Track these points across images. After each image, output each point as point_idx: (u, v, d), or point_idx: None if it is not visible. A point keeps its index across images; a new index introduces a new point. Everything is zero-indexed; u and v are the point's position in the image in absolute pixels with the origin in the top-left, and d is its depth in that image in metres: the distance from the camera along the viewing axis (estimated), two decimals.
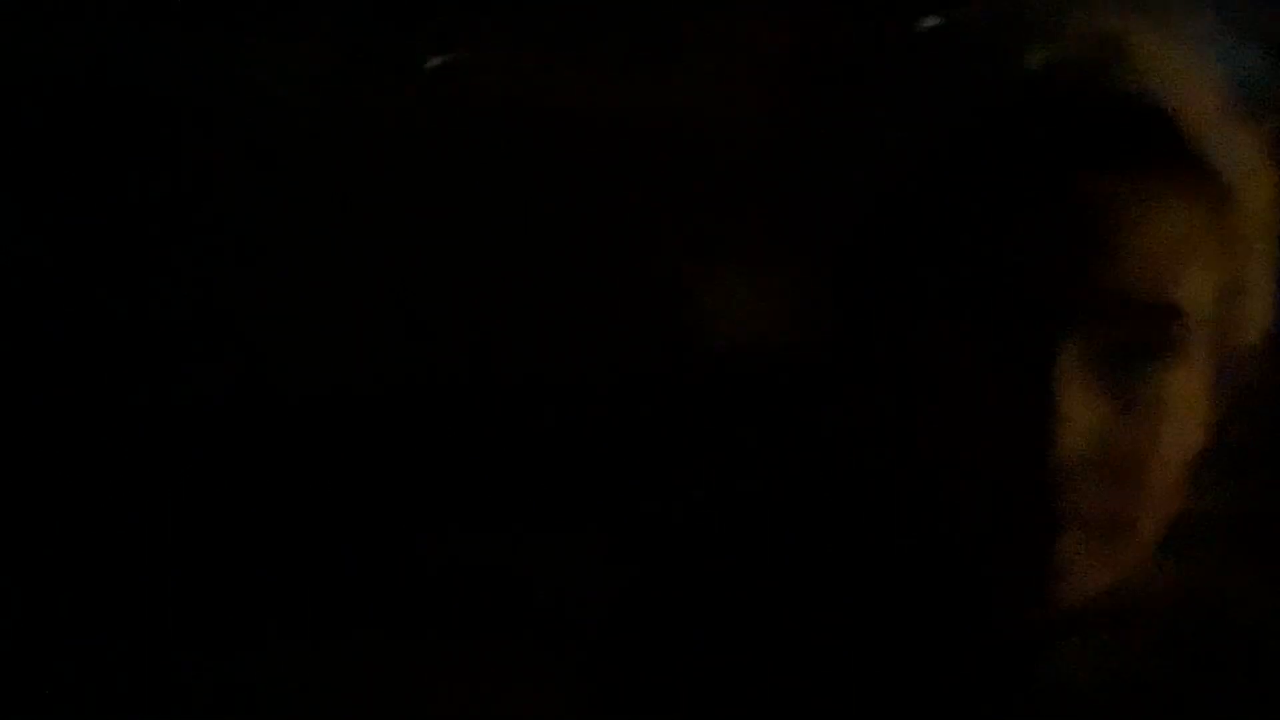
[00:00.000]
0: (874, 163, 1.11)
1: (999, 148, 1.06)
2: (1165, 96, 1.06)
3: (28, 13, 1.70)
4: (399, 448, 1.60)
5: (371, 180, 1.68)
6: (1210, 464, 1.16)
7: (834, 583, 1.19)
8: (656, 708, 1.20)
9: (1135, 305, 1.07)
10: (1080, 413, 1.05)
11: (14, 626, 1.56)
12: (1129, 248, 1.07)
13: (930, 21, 1.14)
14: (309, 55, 1.73)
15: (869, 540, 1.17)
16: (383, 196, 1.67)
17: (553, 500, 1.47)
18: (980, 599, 1.13)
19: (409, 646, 1.40)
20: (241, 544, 1.58)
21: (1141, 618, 1.15)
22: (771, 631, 1.19)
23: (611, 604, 1.23)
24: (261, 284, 1.67)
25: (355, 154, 1.69)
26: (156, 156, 1.70)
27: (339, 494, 1.60)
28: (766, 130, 1.49)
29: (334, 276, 1.67)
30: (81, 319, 1.68)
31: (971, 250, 1.07)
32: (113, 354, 1.67)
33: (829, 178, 1.19)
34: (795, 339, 1.31)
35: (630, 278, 1.60)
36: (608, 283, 1.61)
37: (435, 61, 1.71)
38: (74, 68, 1.70)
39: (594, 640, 1.24)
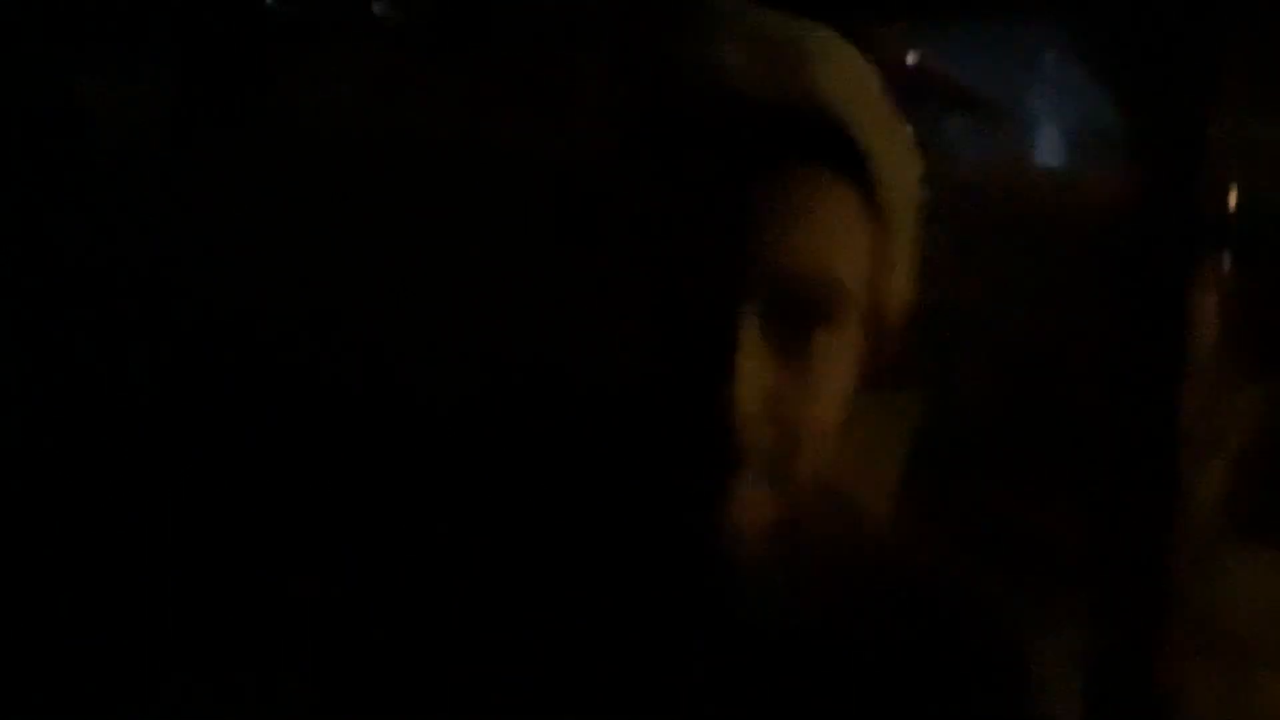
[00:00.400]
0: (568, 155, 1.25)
1: (680, 143, 1.21)
2: (826, 100, 1.21)
3: None
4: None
5: (213, 209, 1.71)
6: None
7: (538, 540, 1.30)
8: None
9: (801, 279, 1.21)
10: (754, 370, 1.20)
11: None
12: (796, 230, 1.21)
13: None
14: (147, 86, 1.69)
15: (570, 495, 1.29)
16: (221, 224, 1.69)
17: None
18: (667, 539, 1.25)
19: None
20: None
21: (811, 561, 1.29)
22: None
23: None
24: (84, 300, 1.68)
25: (196, 182, 1.71)
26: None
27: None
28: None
29: (165, 297, 1.68)
30: None
31: (663, 232, 1.21)
32: None
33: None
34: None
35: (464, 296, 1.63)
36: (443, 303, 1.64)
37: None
38: None
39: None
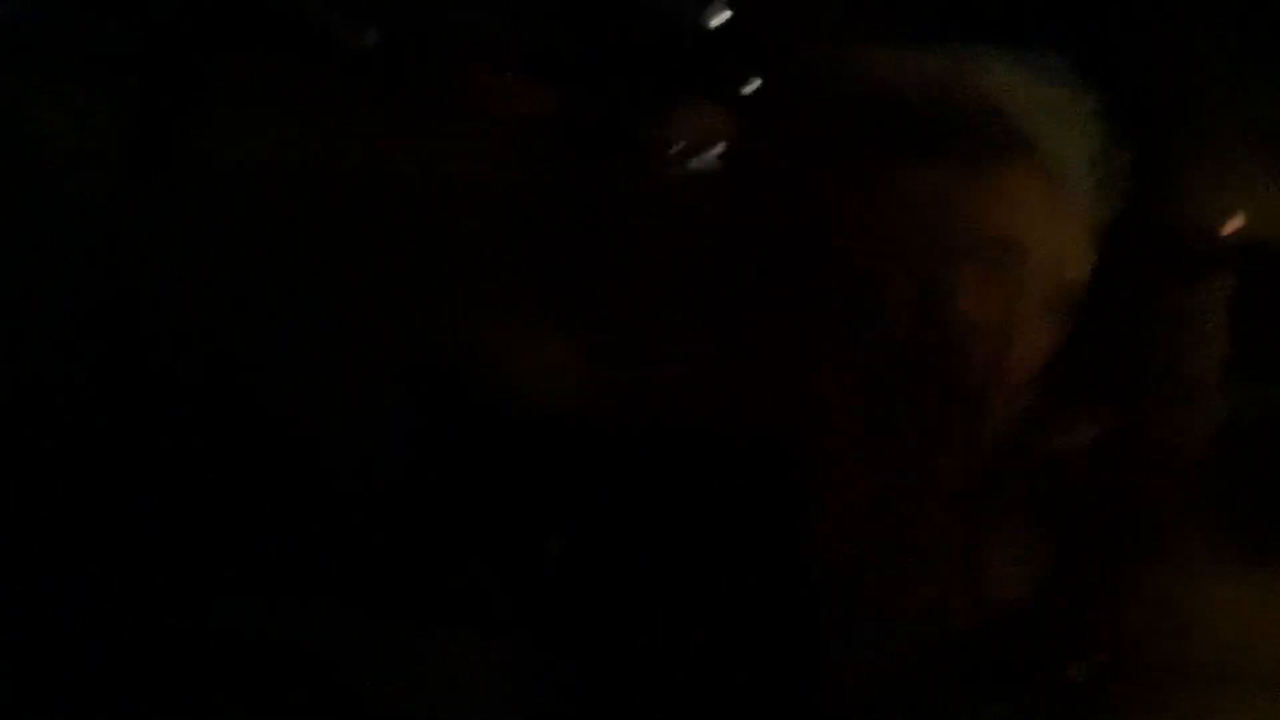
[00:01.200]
0: None
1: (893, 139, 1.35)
2: (1009, 106, 1.38)
3: None
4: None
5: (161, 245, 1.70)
6: None
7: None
8: None
9: (993, 242, 1.34)
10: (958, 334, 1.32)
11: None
12: (985, 202, 1.35)
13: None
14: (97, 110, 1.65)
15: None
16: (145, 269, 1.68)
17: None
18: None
19: None
20: None
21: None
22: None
23: None
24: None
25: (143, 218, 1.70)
26: None
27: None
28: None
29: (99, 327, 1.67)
30: None
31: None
32: None
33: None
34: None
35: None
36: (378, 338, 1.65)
37: None
38: None
39: None
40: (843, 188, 1.35)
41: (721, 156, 1.44)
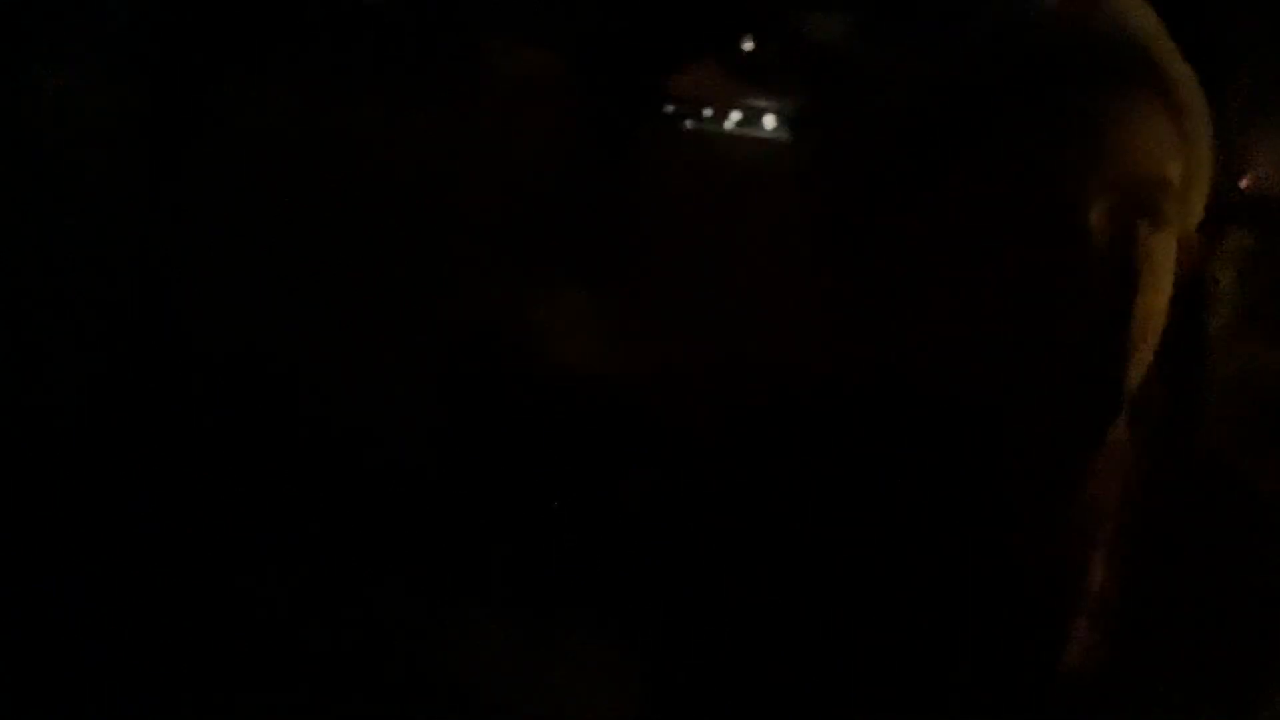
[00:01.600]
0: None
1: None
2: (1142, 39, 1.36)
3: None
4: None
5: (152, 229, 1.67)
6: None
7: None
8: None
9: (1140, 178, 1.32)
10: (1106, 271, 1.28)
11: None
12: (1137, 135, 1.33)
13: None
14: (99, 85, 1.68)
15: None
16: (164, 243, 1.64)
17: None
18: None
19: None
20: None
21: None
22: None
23: None
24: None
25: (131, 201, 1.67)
26: None
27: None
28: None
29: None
30: None
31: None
32: None
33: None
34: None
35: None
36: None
37: None
38: None
39: None
40: (956, 127, 1.35)
41: (810, 102, 1.41)
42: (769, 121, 1.41)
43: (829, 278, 1.36)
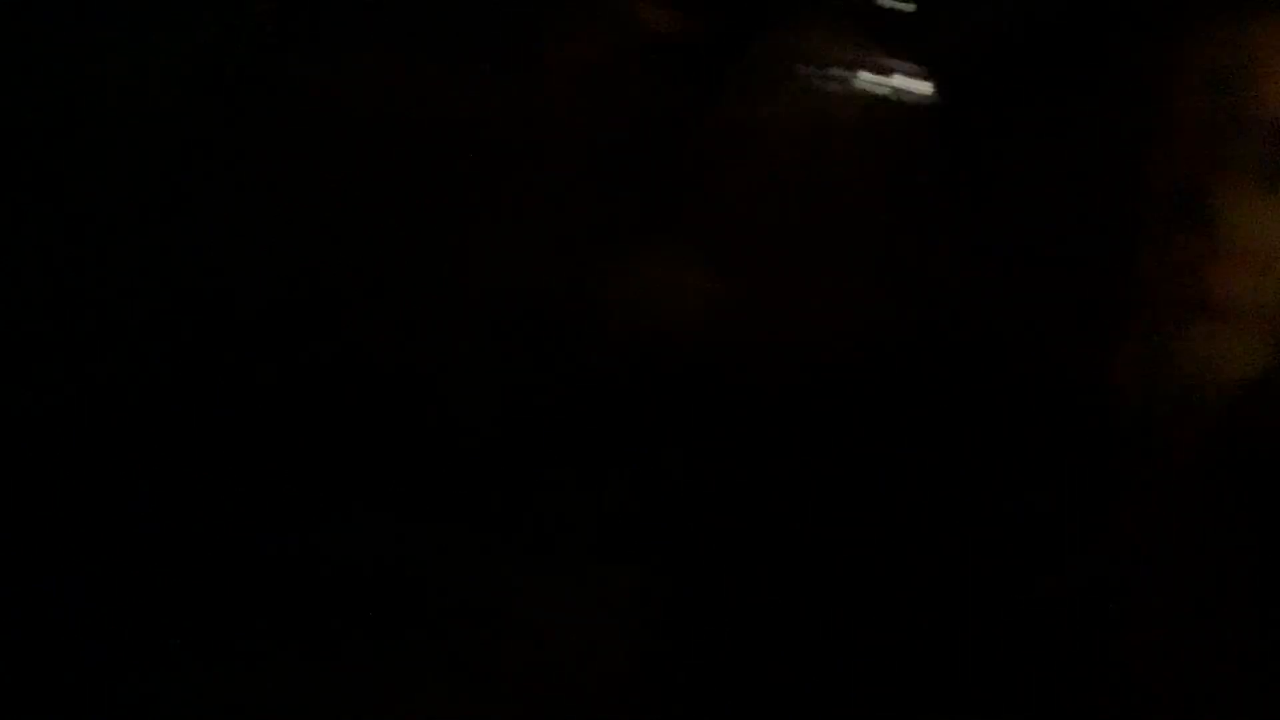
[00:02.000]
0: None
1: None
2: None
3: None
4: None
5: (228, 187, 1.67)
6: None
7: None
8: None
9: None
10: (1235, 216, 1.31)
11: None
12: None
13: None
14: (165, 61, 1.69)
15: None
16: (239, 202, 1.66)
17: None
18: None
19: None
20: None
21: None
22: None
23: None
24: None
25: (210, 161, 1.67)
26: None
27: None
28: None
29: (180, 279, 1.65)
30: None
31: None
32: None
33: None
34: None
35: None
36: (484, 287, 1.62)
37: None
38: None
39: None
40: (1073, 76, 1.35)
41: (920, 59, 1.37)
42: (882, 72, 1.40)
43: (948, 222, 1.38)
